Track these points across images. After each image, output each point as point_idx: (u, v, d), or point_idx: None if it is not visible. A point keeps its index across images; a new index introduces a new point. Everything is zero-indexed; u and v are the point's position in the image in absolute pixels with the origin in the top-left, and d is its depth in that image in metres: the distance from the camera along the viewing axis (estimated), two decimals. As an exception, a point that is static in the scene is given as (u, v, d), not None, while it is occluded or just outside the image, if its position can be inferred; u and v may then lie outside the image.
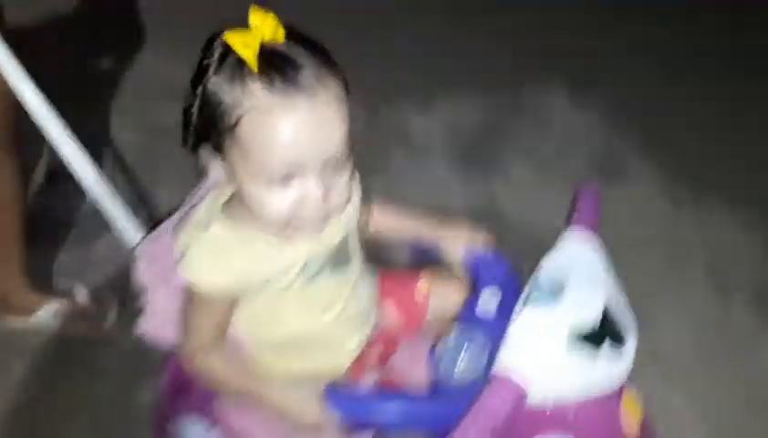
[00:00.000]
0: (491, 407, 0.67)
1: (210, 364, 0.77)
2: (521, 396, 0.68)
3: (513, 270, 0.88)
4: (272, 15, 0.62)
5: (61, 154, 1.02)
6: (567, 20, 2.68)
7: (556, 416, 0.73)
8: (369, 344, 0.87)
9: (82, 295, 1.46)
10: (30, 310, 1.40)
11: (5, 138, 1.21)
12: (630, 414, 0.77)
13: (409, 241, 0.95)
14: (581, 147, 2.07)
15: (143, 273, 0.81)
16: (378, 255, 0.93)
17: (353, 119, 0.67)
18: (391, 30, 2.51)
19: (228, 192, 0.73)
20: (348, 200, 0.72)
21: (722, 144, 2.07)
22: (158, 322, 0.81)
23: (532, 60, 2.41)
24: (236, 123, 0.62)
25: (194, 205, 0.80)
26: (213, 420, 0.89)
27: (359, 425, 0.78)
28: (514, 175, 1.95)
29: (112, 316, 1.44)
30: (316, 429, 0.77)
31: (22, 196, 1.32)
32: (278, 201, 0.65)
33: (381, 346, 0.91)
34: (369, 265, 0.88)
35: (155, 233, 0.83)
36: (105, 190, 1.05)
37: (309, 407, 0.75)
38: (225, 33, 0.61)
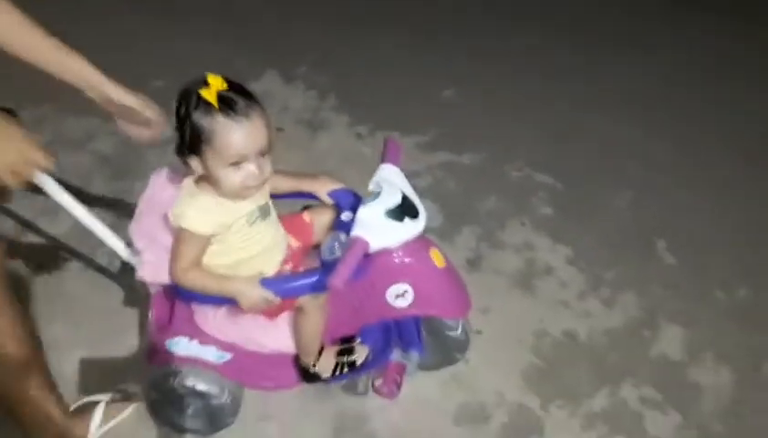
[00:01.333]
0: (352, 252, 1.22)
1: (193, 276, 1.28)
2: (366, 245, 1.26)
3: (356, 195, 1.44)
4: (220, 76, 1.15)
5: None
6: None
7: (395, 268, 1.35)
8: (284, 262, 1.40)
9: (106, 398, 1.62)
10: None
11: None
12: (436, 258, 1.40)
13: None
14: (293, 115, 2.82)
15: (138, 239, 1.37)
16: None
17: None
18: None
19: (194, 179, 1.25)
20: (271, 174, 1.23)
21: (391, 90, 2.95)
22: (150, 270, 1.36)
23: (252, 54, 3.13)
24: (211, 137, 1.15)
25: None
26: (192, 334, 1.44)
27: (284, 295, 1.30)
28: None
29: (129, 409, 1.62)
30: (259, 304, 1.28)
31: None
32: (235, 176, 1.18)
33: (291, 263, 1.43)
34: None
35: (135, 220, 1.39)
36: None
37: (254, 290, 1.27)
38: (198, 89, 1.13)
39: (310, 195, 1.51)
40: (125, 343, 1.79)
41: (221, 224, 1.25)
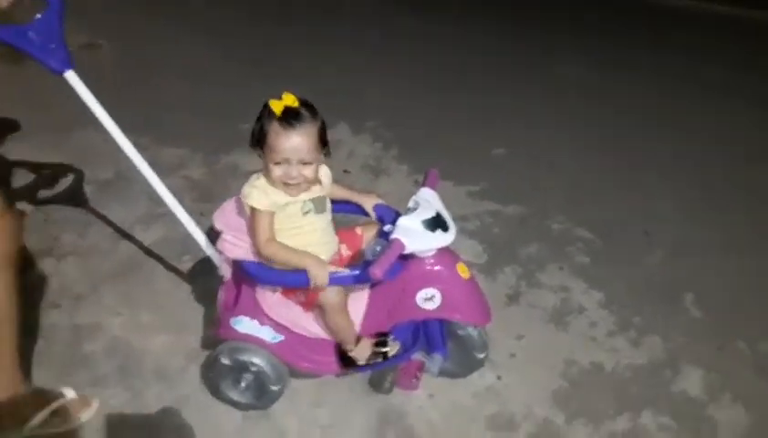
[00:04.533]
0: (391, 250, 1.45)
1: (273, 249, 1.53)
2: (402, 246, 1.48)
3: (397, 213, 1.69)
4: (292, 94, 1.48)
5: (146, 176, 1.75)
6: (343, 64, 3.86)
7: (426, 274, 1.59)
8: (333, 263, 1.63)
9: (71, 394, 1.67)
10: (23, 419, 1.57)
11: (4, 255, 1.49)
12: (462, 270, 1.63)
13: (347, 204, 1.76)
14: (359, 160, 3.15)
15: (219, 224, 1.66)
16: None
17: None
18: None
19: (260, 173, 1.54)
20: (314, 179, 1.53)
21: (448, 146, 3.26)
22: (227, 247, 1.64)
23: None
24: (266, 137, 1.46)
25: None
26: (252, 314, 1.68)
27: (333, 281, 1.54)
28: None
29: (90, 413, 1.69)
30: (324, 280, 1.51)
31: (19, 310, 1.57)
32: (277, 171, 1.47)
33: (342, 264, 1.69)
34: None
35: (219, 209, 1.69)
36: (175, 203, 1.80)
37: (323, 267, 1.51)
38: (270, 102, 1.46)
39: (358, 208, 1.79)
40: (198, 327, 2.07)
41: (274, 202, 1.52)
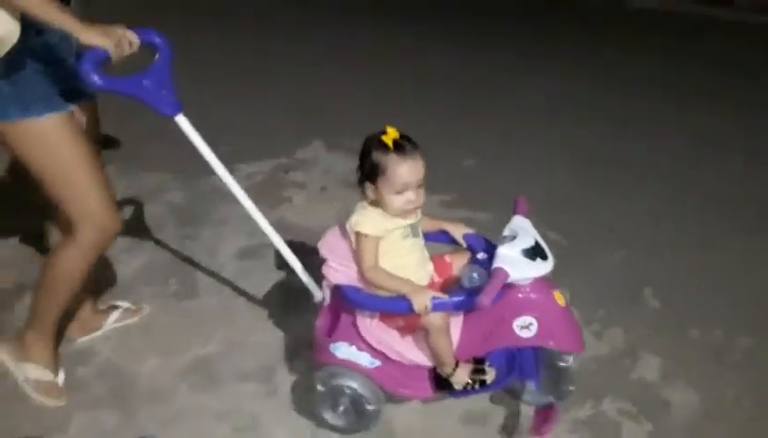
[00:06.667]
0: (496, 279, 1.49)
1: (377, 274, 1.63)
2: (506, 275, 1.52)
3: (487, 240, 1.78)
4: (394, 128, 1.59)
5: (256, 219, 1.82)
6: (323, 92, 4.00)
7: (523, 302, 1.61)
8: (431, 285, 1.74)
9: None
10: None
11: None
12: (558, 298, 1.66)
13: (437, 233, 1.85)
14: (335, 176, 3.29)
15: (324, 251, 1.73)
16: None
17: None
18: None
19: (366, 202, 1.65)
20: (423, 201, 1.63)
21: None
22: (332, 273, 1.72)
23: (300, 128, 3.65)
24: (385, 169, 1.56)
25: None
26: (351, 340, 1.71)
27: (436, 307, 1.59)
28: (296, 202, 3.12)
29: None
30: (427, 306, 1.57)
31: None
32: (398, 200, 1.59)
33: (437, 288, 1.72)
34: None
35: (323, 238, 1.76)
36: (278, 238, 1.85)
37: (425, 292, 1.59)
38: (380, 137, 1.58)
39: (446, 236, 1.86)
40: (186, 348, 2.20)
41: (384, 228, 1.64)
